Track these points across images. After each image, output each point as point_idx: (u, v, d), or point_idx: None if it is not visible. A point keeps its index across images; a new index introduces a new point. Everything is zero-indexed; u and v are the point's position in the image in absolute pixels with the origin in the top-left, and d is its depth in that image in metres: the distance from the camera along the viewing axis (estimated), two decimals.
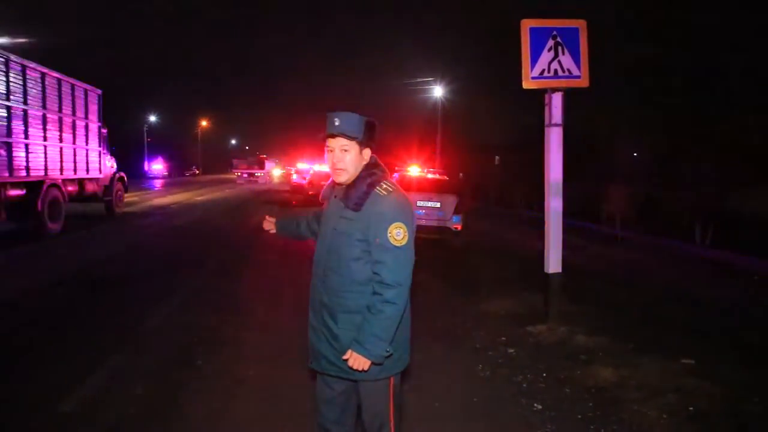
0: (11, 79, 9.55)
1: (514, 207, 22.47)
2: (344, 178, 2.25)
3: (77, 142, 12.28)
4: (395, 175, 11.68)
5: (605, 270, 9.08)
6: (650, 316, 6.01)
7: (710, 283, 8.80)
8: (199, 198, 23.29)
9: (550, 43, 4.99)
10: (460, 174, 29.34)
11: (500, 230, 15.19)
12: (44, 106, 10.75)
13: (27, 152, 10.06)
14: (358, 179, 2.25)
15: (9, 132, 9.51)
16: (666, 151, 20.34)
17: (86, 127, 12.77)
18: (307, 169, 22.86)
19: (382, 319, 2.13)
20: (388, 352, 2.16)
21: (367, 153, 2.29)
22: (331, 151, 2.25)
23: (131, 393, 3.64)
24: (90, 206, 13.57)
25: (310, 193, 19.80)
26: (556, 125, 5.08)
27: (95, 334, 4.80)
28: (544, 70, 4.99)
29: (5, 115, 9.41)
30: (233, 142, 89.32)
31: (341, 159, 2.23)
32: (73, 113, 12.07)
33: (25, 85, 10.01)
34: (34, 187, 10.20)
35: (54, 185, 10.84)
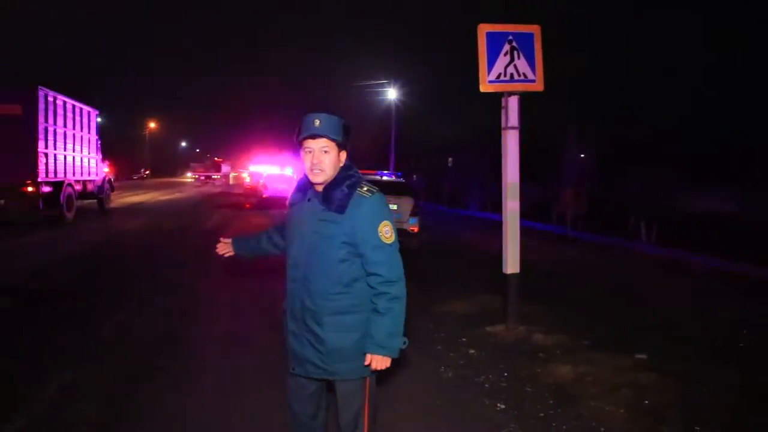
0: (49, 107, 13.16)
1: (467, 207, 22.82)
2: (322, 178, 2.25)
3: (83, 152, 15.60)
4: None
5: (559, 269, 9.31)
6: (603, 313, 6.20)
7: (657, 280, 9.18)
8: (163, 197, 24.90)
9: (506, 47, 5.07)
10: (414, 176, 29.59)
11: (455, 231, 15.38)
12: (65, 125, 14.16)
13: (55, 160, 13.50)
14: (337, 181, 2.27)
15: (46, 145, 12.99)
16: (610, 153, 21.14)
17: (89, 140, 16.11)
18: (260, 172, 22.41)
19: (394, 316, 2.21)
20: (405, 343, 2.26)
21: (344, 156, 2.31)
22: (310, 152, 2.25)
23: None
24: (83, 203, 16.15)
25: (264, 195, 19.47)
26: (513, 128, 5.17)
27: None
28: (500, 74, 5.07)
29: (44, 132, 12.90)
30: (183, 144, 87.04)
31: (321, 160, 2.23)
32: (81, 129, 15.45)
33: (55, 111, 13.54)
34: (57, 185, 13.54)
35: (69, 185, 14.20)
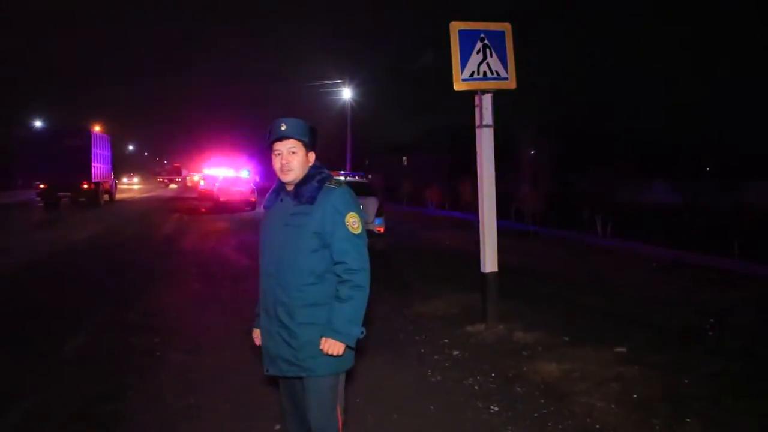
0: (93, 139, 22.42)
1: (425, 206, 22.92)
2: (291, 177, 2.34)
3: (104, 164, 23.87)
4: None
5: (524, 264, 9.41)
6: (575, 307, 6.29)
7: (617, 272, 9.43)
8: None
9: (479, 45, 5.05)
10: (369, 175, 29.51)
11: (419, 230, 15.38)
12: (100, 148, 23.21)
13: (96, 170, 22.26)
14: (307, 177, 2.36)
15: (94, 160, 22.06)
16: (562, 151, 21.76)
17: (107, 156, 24.75)
18: (215, 175, 21.74)
19: (354, 304, 2.25)
20: (362, 333, 2.28)
21: (312, 156, 2.41)
22: (279, 154, 2.34)
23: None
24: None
25: (221, 199, 18.89)
26: (487, 126, 5.15)
27: None
28: (473, 72, 5.04)
29: (93, 154, 21.90)
30: (131, 148, 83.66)
31: (289, 160, 2.33)
32: (102, 149, 23.83)
33: (96, 141, 22.66)
34: (97, 184, 22.29)
35: (99, 184, 22.53)
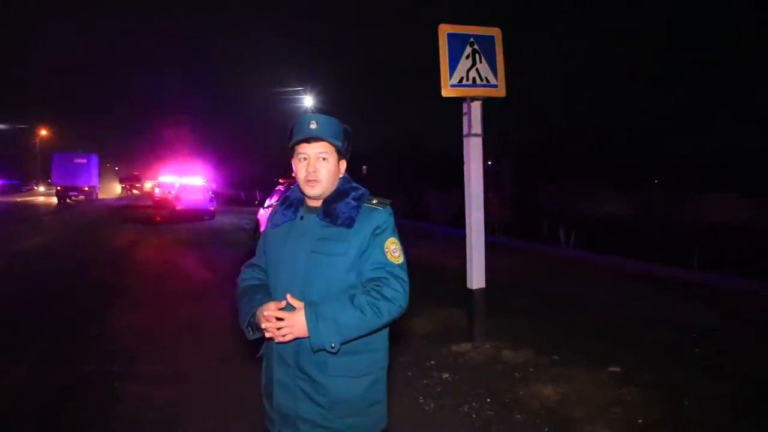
0: (94, 159, 36.67)
1: None
2: (318, 191, 1.87)
3: (95, 175, 36.24)
4: (280, 187, 10.98)
5: (497, 278, 9.21)
6: (557, 323, 6.12)
7: (587, 284, 9.37)
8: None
9: (468, 50, 4.82)
10: None
11: None
12: (92, 164, 35.69)
13: (90, 178, 35.25)
14: (340, 192, 1.91)
15: (95, 172, 36.86)
16: (523, 162, 22.01)
17: (96, 170, 36.48)
18: (171, 182, 20.76)
19: (357, 317, 1.74)
20: (333, 347, 1.74)
21: (343, 166, 1.95)
22: (305, 158, 1.88)
23: None
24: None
25: (178, 208, 18.00)
26: (476, 135, 4.91)
27: None
28: (462, 78, 4.80)
29: (89, 168, 35.23)
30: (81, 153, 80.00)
31: (318, 168, 1.86)
32: (94, 166, 36.00)
33: (95, 160, 36.83)
34: (92, 188, 35.60)
35: (93, 187, 35.45)
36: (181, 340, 5.33)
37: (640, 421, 3.60)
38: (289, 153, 1.93)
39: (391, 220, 1.90)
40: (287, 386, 1.83)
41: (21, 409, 3.69)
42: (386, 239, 1.85)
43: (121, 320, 5.99)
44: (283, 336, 1.74)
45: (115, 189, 56.87)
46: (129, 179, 62.30)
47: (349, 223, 1.83)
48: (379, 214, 1.87)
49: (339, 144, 1.88)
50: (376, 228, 1.85)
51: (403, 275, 1.85)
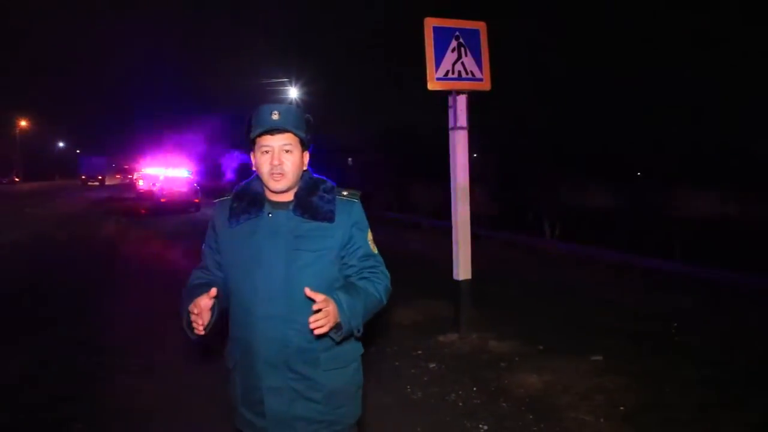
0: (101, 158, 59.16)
1: (373, 208, 22.68)
2: (283, 185, 1.79)
3: (105, 167, 58.27)
4: None
5: (482, 269, 9.28)
6: (542, 313, 6.20)
7: (571, 275, 9.51)
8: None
9: (454, 43, 4.86)
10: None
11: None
12: (102, 161, 58.41)
13: (102, 170, 56.69)
14: (309, 186, 1.85)
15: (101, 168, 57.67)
16: (507, 153, 22.13)
17: (105, 163, 59.30)
18: (155, 174, 20.55)
19: (371, 300, 1.82)
20: (359, 331, 1.78)
21: (306, 157, 1.88)
22: (268, 151, 1.78)
23: None
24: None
25: (162, 200, 17.83)
26: (461, 128, 4.96)
27: None
28: (448, 71, 4.84)
29: (100, 165, 57.00)
30: (61, 144, 78.86)
31: (283, 161, 1.77)
32: (103, 160, 59.08)
33: (102, 158, 59.57)
34: (103, 176, 55.83)
35: (104, 176, 55.69)
36: (169, 332, 5.32)
37: (621, 408, 3.69)
38: (248, 146, 1.84)
39: (363, 212, 1.91)
40: (280, 390, 1.78)
41: (12, 398, 3.68)
42: (367, 231, 1.89)
43: (109, 312, 5.97)
44: (321, 327, 1.64)
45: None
46: (121, 172, 68.46)
47: (330, 217, 1.80)
48: (356, 206, 1.87)
49: (303, 135, 1.80)
50: (356, 221, 1.86)
51: (383, 263, 1.93)
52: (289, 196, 1.83)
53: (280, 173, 1.77)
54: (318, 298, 1.65)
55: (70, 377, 4.12)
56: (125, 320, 5.74)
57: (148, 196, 19.41)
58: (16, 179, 53.92)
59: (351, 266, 1.85)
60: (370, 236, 1.90)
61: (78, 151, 68.56)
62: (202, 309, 1.73)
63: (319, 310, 1.63)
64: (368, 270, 1.86)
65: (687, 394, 3.92)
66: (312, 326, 1.63)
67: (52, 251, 10.53)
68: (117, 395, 3.84)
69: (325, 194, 1.84)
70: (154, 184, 19.44)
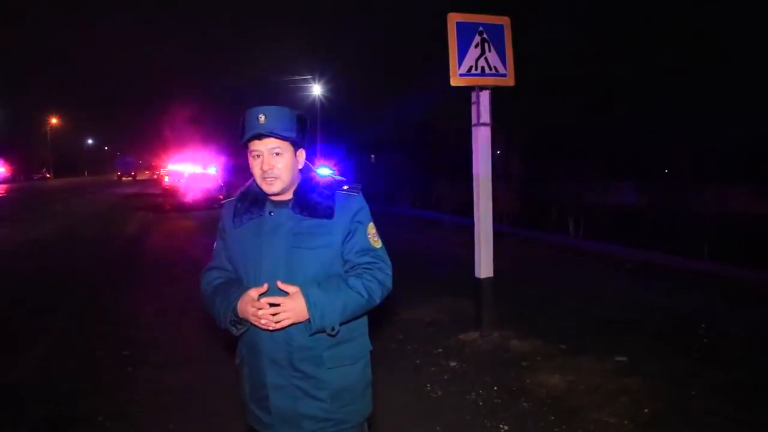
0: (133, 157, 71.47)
1: (396, 205, 22.65)
2: (277, 187, 1.79)
3: (135, 165, 68.62)
4: None
5: (506, 267, 9.18)
6: (564, 312, 6.12)
7: (596, 274, 9.37)
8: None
9: (477, 39, 4.79)
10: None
11: (393, 230, 15.10)
12: (132, 160, 69.58)
13: (134, 167, 67.35)
14: (310, 184, 1.85)
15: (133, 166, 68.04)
16: (531, 151, 21.87)
17: (134, 163, 69.15)
18: (180, 171, 20.84)
19: (354, 298, 1.77)
20: (333, 330, 1.75)
21: (302, 155, 1.86)
22: (258, 155, 1.78)
23: None
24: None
25: (186, 197, 18.10)
26: (485, 125, 4.90)
27: None
28: (471, 67, 4.78)
29: (132, 163, 68.03)
30: (90, 141, 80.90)
31: (273, 165, 1.77)
32: (131, 160, 70.17)
33: (133, 158, 72.12)
34: (135, 172, 64.10)
35: (136, 172, 63.48)
36: (191, 326, 5.40)
37: (646, 410, 3.61)
38: (244, 149, 1.84)
39: (365, 205, 1.89)
40: (284, 388, 1.79)
41: (38, 393, 3.77)
42: (367, 225, 1.86)
43: (133, 306, 6.08)
44: (279, 322, 1.68)
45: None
46: (152, 168, 74.97)
47: (329, 213, 1.80)
48: (356, 200, 1.85)
49: (293, 136, 1.77)
50: (356, 214, 1.84)
51: (387, 259, 1.89)
52: (289, 195, 1.84)
53: (272, 177, 1.77)
54: (290, 290, 1.69)
55: (93, 371, 4.20)
56: (147, 314, 5.83)
57: (172, 193, 19.70)
58: (48, 175, 55.42)
59: (347, 261, 1.84)
60: (371, 230, 1.87)
61: (118, 154, 76.82)
62: (261, 303, 1.72)
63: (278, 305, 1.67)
64: (363, 266, 1.83)
65: (715, 398, 3.82)
66: (263, 322, 1.68)
67: (79, 245, 10.77)
68: (139, 389, 3.90)
69: (325, 190, 1.84)
70: (179, 181, 19.73)
